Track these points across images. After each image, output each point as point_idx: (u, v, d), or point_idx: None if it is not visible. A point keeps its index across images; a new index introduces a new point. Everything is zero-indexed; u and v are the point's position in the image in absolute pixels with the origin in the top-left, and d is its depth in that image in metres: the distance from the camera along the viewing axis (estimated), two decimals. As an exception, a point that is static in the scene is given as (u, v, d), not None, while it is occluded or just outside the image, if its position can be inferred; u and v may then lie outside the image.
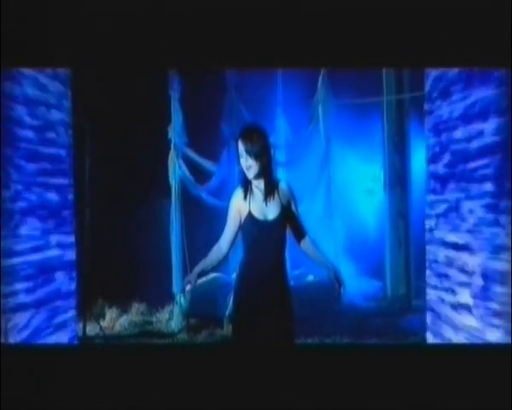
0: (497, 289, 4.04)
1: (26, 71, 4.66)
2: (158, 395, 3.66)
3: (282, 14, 4.03)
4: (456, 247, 4.72)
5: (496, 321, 4.06)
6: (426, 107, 5.36)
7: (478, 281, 4.31)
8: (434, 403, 3.58)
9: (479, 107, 4.32)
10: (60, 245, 5.34)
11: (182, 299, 7.99)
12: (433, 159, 5.21)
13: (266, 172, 3.79)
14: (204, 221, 8.23)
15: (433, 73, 5.15)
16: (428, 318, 5.33)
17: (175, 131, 8.18)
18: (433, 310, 5.23)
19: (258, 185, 3.81)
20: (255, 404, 3.57)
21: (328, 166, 9.13)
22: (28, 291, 4.69)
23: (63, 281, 5.40)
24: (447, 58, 4.08)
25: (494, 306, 4.09)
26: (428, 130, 5.31)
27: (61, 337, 5.30)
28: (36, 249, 4.84)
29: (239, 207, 3.81)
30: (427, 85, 5.30)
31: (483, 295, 4.24)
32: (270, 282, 3.77)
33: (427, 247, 5.31)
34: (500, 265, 4.02)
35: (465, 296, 4.51)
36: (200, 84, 8.66)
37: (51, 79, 5.17)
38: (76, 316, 5.80)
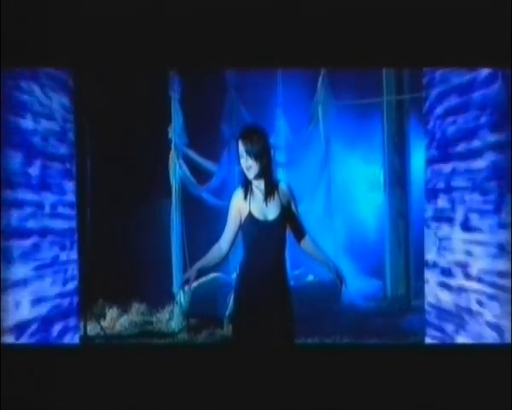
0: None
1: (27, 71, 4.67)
2: (158, 395, 3.66)
3: (282, 14, 4.03)
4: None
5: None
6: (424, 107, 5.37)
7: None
8: (434, 403, 3.59)
9: (479, 106, 4.33)
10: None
11: (182, 296, 8.00)
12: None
13: (266, 173, 3.79)
14: (204, 221, 8.23)
15: (432, 73, 5.16)
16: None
17: (175, 131, 8.18)
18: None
19: (259, 186, 3.81)
20: (255, 404, 3.58)
21: (328, 166, 9.14)
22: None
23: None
24: (447, 58, 4.08)
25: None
26: (427, 129, 5.32)
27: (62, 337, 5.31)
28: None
29: (239, 207, 3.81)
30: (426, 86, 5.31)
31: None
32: (270, 282, 3.77)
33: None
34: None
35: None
36: (200, 84, 8.66)
37: (51, 78, 5.18)
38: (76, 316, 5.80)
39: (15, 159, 4.50)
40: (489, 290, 4.19)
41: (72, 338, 5.59)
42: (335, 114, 9.09)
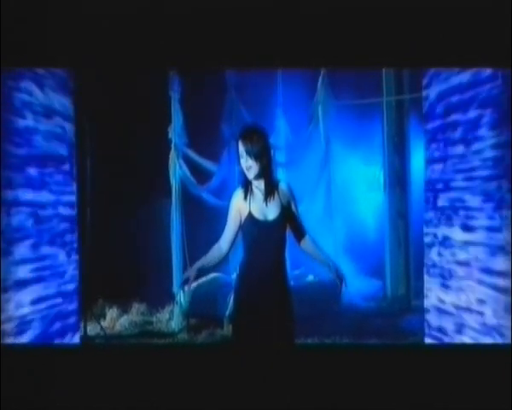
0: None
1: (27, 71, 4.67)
2: (158, 395, 3.67)
3: (282, 14, 4.03)
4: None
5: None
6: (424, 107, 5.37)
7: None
8: (434, 403, 3.59)
9: (479, 106, 4.32)
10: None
11: (182, 297, 8.00)
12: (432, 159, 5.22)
13: (266, 173, 3.79)
14: (204, 221, 8.23)
15: (432, 74, 5.16)
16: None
17: (175, 131, 8.17)
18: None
19: (259, 186, 3.81)
20: (255, 404, 3.58)
21: (328, 166, 9.14)
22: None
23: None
24: (447, 58, 4.08)
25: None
26: (427, 129, 5.32)
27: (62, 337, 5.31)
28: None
29: (239, 207, 3.82)
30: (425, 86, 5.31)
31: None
32: (271, 282, 3.77)
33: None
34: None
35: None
36: (200, 84, 8.65)
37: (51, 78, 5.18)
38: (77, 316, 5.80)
39: (15, 159, 4.50)
40: (489, 290, 4.19)
41: (73, 338, 5.59)
42: (335, 114, 9.09)
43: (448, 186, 4.87)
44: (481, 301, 4.30)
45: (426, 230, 5.35)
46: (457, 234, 4.69)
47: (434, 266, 5.16)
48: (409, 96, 9.23)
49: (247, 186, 3.82)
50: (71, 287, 5.59)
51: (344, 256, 8.56)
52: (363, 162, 9.72)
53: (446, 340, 4.88)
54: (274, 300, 3.77)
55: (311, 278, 9.07)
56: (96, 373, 3.69)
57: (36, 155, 4.85)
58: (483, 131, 4.26)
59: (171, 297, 8.23)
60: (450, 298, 4.84)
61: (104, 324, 8.02)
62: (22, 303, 4.56)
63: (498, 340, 4.04)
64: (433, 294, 5.19)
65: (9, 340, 4.25)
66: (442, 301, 5.00)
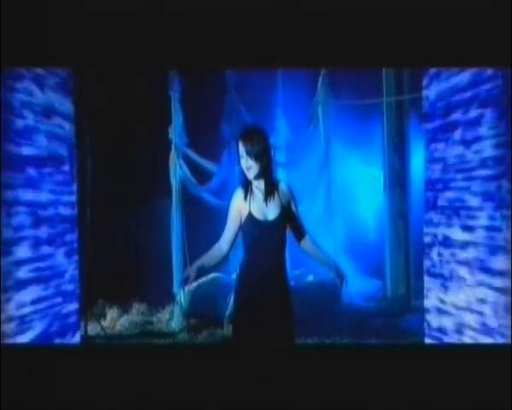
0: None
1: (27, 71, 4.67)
2: (158, 395, 3.66)
3: (282, 14, 4.03)
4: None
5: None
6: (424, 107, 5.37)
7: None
8: (434, 403, 3.58)
9: (479, 106, 4.32)
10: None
11: (182, 297, 8.00)
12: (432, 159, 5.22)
13: (266, 173, 3.80)
14: (204, 221, 8.24)
15: (431, 74, 5.16)
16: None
17: (175, 131, 8.18)
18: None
19: (259, 186, 3.82)
20: (255, 404, 3.58)
21: (328, 166, 9.14)
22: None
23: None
24: (447, 58, 4.08)
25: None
26: (426, 130, 5.32)
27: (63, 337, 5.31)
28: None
29: (239, 207, 3.82)
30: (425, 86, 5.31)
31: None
32: (271, 282, 3.78)
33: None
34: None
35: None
36: (200, 84, 8.66)
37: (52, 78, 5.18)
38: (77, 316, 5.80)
39: (15, 159, 4.50)
40: (489, 290, 4.19)
41: (73, 338, 5.59)
42: (335, 115, 9.09)
43: (448, 186, 4.87)
44: (481, 302, 4.30)
45: (426, 230, 5.35)
46: (457, 234, 4.69)
47: (434, 266, 5.16)
48: (409, 96, 9.24)
49: (247, 186, 3.83)
50: (71, 287, 5.59)
51: (344, 256, 8.56)
52: (363, 162, 9.72)
53: (446, 340, 4.88)
54: (274, 300, 3.78)
55: (311, 278, 9.07)
56: (96, 373, 3.69)
57: (35, 154, 4.85)
58: (483, 131, 4.26)
59: (171, 297, 8.24)
60: (450, 298, 4.83)
61: (104, 324, 8.03)
62: (22, 303, 4.56)
63: (498, 340, 4.04)
64: (433, 294, 5.19)
65: (9, 340, 4.24)
66: (442, 301, 5.00)
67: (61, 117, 5.42)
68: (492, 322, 4.15)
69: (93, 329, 7.63)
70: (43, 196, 5.00)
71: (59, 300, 5.28)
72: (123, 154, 9.25)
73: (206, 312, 7.98)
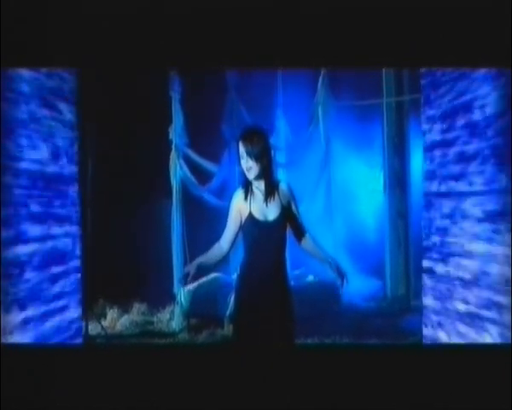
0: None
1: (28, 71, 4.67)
2: (159, 395, 3.66)
3: (282, 14, 4.03)
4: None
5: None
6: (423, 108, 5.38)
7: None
8: (434, 403, 3.58)
9: (479, 107, 4.32)
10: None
11: (182, 296, 8.01)
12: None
13: (266, 174, 3.81)
14: (205, 221, 8.24)
15: (431, 74, 5.16)
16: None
17: (176, 131, 8.19)
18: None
19: (259, 186, 3.82)
20: (255, 404, 3.58)
21: (328, 167, 9.17)
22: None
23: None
24: (447, 58, 4.08)
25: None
26: (426, 130, 5.32)
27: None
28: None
29: (240, 207, 3.83)
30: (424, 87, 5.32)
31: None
32: (271, 282, 3.78)
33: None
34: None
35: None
36: (200, 84, 8.67)
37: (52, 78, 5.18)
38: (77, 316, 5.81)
39: (15, 159, 4.50)
40: (489, 290, 4.19)
41: (73, 338, 5.59)
42: (335, 115, 9.12)
43: (447, 187, 4.87)
44: (481, 301, 4.30)
45: (425, 232, 5.35)
46: (457, 235, 4.69)
47: (434, 267, 5.17)
48: (409, 97, 9.25)
49: (247, 187, 3.83)
50: (72, 287, 5.59)
51: (344, 256, 8.56)
52: (364, 163, 9.73)
53: (446, 340, 4.89)
54: (274, 300, 3.78)
55: (311, 278, 9.08)
56: (96, 373, 3.69)
57: (35, 155, 4.85)
58: (483, 132, 4.26)
59: (171, 297, 8.25)
60: (449, 298, 4.84)
61: (105, 323, 8.04)
62: (22, 303, 4.56)
63: (498, 340, 4.04)
64: (433, 295, 5.19)
65: (9, 340, 4.25)
66: (442, 301, 5.00)
67: (61, 117, 5.42)
68: (492, 322, 4.15)
69: (94, 329, 7.64)
70: (44, 197, 5.01)
71: (59, 300, 5.28)
72: (123, 154, 9.26)
73: (207, 312, 7.99)
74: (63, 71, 5.40)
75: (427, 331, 5.36)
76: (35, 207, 4.81)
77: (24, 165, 4.62)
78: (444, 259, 4.96)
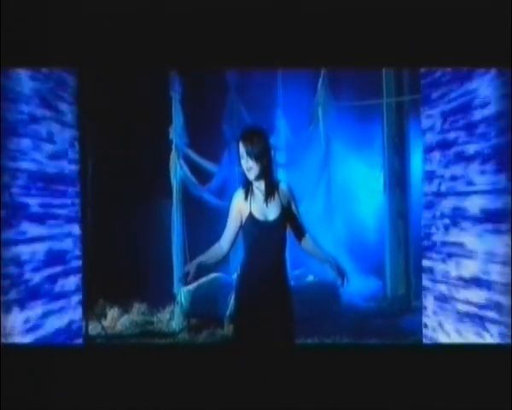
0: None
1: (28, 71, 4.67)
2: (159, 395, 3.67)
3: (282, 14, 4.03)
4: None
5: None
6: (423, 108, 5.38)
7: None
8: (434, 403, 3.58)
9: (478, 107, 4.33)
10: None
11: (182, 296, 8.01)
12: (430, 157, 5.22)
13: (267, 174, 3.80)
14: (205, 221, 8.24)
15: (431, 74, 5.16)
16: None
17: (176, 131, 8.19)
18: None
19: (259, 186, 3.82)
20: (255, 404, 3.58)
21: (328, 167, 9.17)
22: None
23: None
24: (447, 58, 4.08)
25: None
26: (426, 130, 5.32)
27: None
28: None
29: (240, 207, 3.82)
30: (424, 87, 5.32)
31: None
32: (271, 282, 3.78)
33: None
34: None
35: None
36: (200, 84, 8.67)
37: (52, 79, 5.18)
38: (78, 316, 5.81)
39: (15, 159, 4.50)
40: (489, 290, 4.20)
41: (74, 338, 5.59)
42: (335, 115, 9.12)
43: (447, 188, 4.87)
44: (481, 301, 4.31)
45: (425, 232, 5.36)
46: (457, 235, 4.69)
47: (433, 267, 5.17)
48: (409, 97, 9.25)
49: (247, 187, 3.83)
50: (72, 287, 5.59)
51: (344, 256, 8.55)
52: (364, 163, 9.73)
53: (446, 340, 4.89)
54: (274, 300, 3.78)
55: (311, 278, 9.08)
56: (96, 373, 3.69)
57: (35, 155, 4.85)
58: (483, 132, 4.26)
59: (171, 297, 8.25)
60: (450, 298, 4.84)
61: (105, 323, 8.04)
62: (23, 303, 4.56)
63: (498, 340, 4.04)
64: (433, 294, 5.19)
65: (10, 340, 4.25)
66: (442, 301, 5.00)
67: (61, 117, 5.42)
68: (492, 322, 4.15)
69: (94, 329, 7.64)
70: (45, 197, 5.01)
71: (59, 300, 5.28)
72: (123, 154, 9.26)
73: (207, 312, 7.99)
74: (63, 71, 5.40)
75: (427, 331, 5.37)
76: (35, 208, 4.81)
77: (24, 165, 4.62)
78: (444, 259, 4.97)
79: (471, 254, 4.45)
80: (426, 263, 5.36)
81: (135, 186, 9.27)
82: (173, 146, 8.18)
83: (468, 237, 4.49)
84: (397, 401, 3.60)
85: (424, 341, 5.40)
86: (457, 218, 4.67)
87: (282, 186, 3.90)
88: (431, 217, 5.22)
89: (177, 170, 8.20)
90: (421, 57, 4.12)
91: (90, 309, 7.43)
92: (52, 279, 5.13)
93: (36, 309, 4.78)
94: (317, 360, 3.72)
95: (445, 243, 4.93)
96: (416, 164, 8.83)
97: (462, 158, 4.58)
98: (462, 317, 4.60)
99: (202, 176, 8.44)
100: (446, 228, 4.88)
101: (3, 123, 4.27)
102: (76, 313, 5.71)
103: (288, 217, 3.88)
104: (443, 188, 4.96)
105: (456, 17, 3.96)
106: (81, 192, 5.96)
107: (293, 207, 3.92)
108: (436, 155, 5.10)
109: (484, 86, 4.21)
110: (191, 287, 7.94)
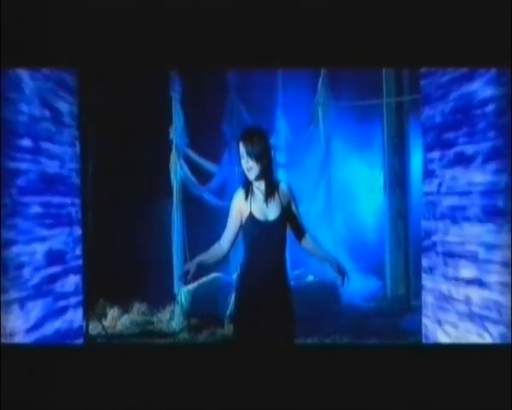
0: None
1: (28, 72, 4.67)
2: (159, 395, 3.66)
3: (282, 14, 4.03)
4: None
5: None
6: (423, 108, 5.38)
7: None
8: (434, 403, 3.58)
9: (478, 107, 4.32)
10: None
11: (182, 296, 8.01)
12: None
13: (267, 174, 3.81)
14: (205, 221, 8.24)
15: (431, 74, 5.16)
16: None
17: (176, 131, 8.20)
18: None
19: (259, 186, 3.83)
20: (255, 404, 3.58)
21: (329, 167, 9.17)
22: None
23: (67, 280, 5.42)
24: (447, 58, 4.08)
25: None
26: (426, 131, 5.32)
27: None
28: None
29: (240, 207, 3.83)
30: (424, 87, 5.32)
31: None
32: (271, 282, 3.79)
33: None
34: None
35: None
36: (200, 85, 8.68)
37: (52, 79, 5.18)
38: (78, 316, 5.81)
39: (15, 159, 4.50)
40: (489, 291, 4.19)
41: (74, 338, 5.59)
42: (335, 115, 9.13)
43: (447, 188, 4.87)
44: (481, 301, 4.30)
45: (425, 232, 5.35)
46: (457, 234, 4.69)
47: (433, 267, 5.17)
48: (409, 97, 9.26)
49: (247, 187, 3.84)
50: (72, 287, 5.59)
51: (344, 256, 8.55)
52: (364, 163, 9.74)
53: (446, 340, 4.88)
54: (274, 300, 3.79)
55: (311, 278, 9.08)
56: (96, 373, 3.69)
57: (36, 156, 4.85)
58: (483, 132, 4.26)
59: (172, 297, 8.26)
60: (448, 298, 4.84)
61: (105, 323, 8.04)
62: (23, 303, 4.56)
63: (498, 340, 4.04)
64: (433, 294, 5.19)
65: (10, 340, 4.25)
66: (442, 301, 5.00)
67: (61, 117, 5.42)
68: (492, 322, 4.15)
69: (94, 328, 7.65)
70: (45, 197, 5.01)
71: (60, 300, 5.28)
72: (123, 154, 9.26)
73: (207, 311, 8.00)
74: (63, 71, 5.40)
75: (426, 331, 5.36)
76: (35, 208, 4.81)
77: (24, 165, 4.62)
78: (444, 259, 4.97)
79: (471, 254, 4.45)
80: (426, 263, 5.36)
81: (135, 186, 9.28)
82: (173, 146, 8.19)
83: (468, 237, 4.49)
84: (397, 401, 3.59)
85: (424, 341, 5.40)
86: (457, 218, 4.67)
87: (282, 186, 3.90)
88: (431, 217, 5.22)
89: (178, 170, 8.20)
90: (421, 57, 4.12)
91: (91, 309, 7.43)
92: (52, 279, 5.12)
93: (36, 309, 4.78)
94: (317, 360, 3.72)
95: (444, 243, 4.92)
96: (416, 164, 8.83)
97: (462, 158, 4.57)
98: (462, 317, 4.60)
99: (202, 176, 8.45)
100: (446, 228, 4.88)
101: (3, 123, 4.26)
102: (76, 313, 5.71)
103: (288, 217, 3.89)
104: (443, 188, 4.95)
105: (456, 17, 3.96)
106: (81, 192, 5.96)
107: (294, 207, 3.92)
108: (436, 155, 5.10)
109: (484, 86, 4.21)
110: (191, 287, 7.95)
